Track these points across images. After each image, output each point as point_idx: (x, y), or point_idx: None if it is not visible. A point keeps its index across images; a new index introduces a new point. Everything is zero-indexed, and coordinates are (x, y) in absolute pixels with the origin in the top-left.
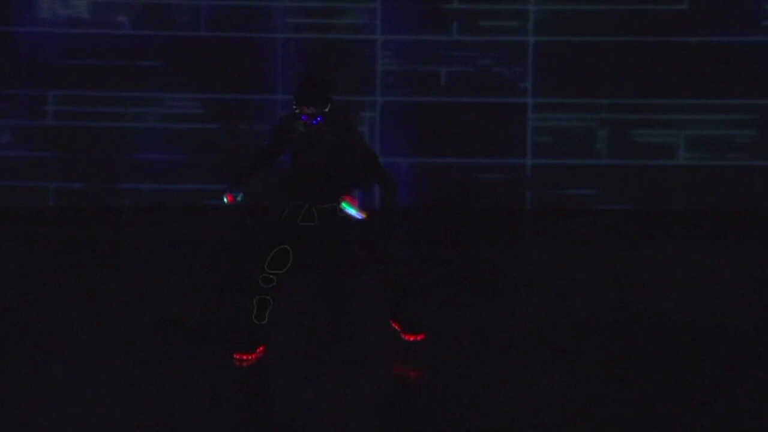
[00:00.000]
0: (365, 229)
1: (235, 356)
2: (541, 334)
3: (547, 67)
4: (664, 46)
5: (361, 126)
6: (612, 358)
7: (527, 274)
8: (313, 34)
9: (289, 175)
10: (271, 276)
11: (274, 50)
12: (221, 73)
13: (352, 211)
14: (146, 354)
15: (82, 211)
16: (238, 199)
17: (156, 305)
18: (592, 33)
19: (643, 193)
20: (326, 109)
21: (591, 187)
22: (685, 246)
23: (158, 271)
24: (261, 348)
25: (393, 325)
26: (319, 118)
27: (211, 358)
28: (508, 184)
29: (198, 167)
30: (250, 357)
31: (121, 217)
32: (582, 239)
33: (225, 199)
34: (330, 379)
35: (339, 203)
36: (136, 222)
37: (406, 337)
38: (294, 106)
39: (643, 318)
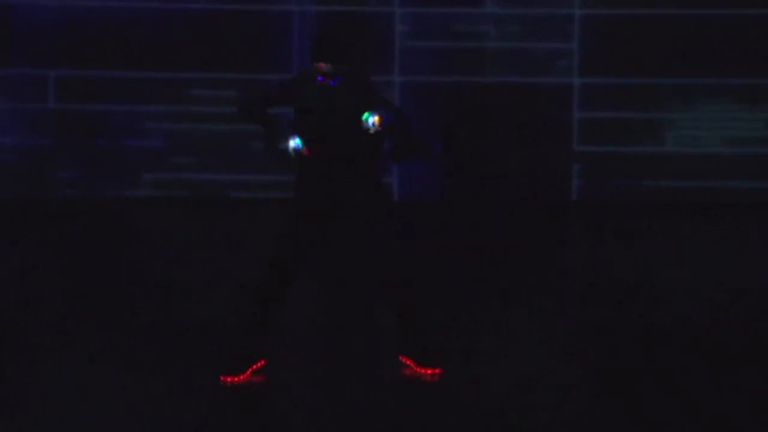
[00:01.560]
0: (378, 241)
1: (221, 377)
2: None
3: (596, 43)
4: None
5: None
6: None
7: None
8: (323, 6)
9: (302, 158)
10: (277, 281)
11: (289, 24)
12: (230, 50)
13: (369, 118)
14: (147, 357)
15: (83, 201)
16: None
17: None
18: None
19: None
20: (346, 68)
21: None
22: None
23: (163, 268)
24: (259, 363)
25: (402, 359)
26: (338, 78)
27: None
28: (548, 174)
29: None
30: (236, 379)
31: (129, 208)
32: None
33: (296, 147)
34: (330, 399)
35: (359, 192)
36: (145, 214)
37: (421, 371)
38: (310, 68)
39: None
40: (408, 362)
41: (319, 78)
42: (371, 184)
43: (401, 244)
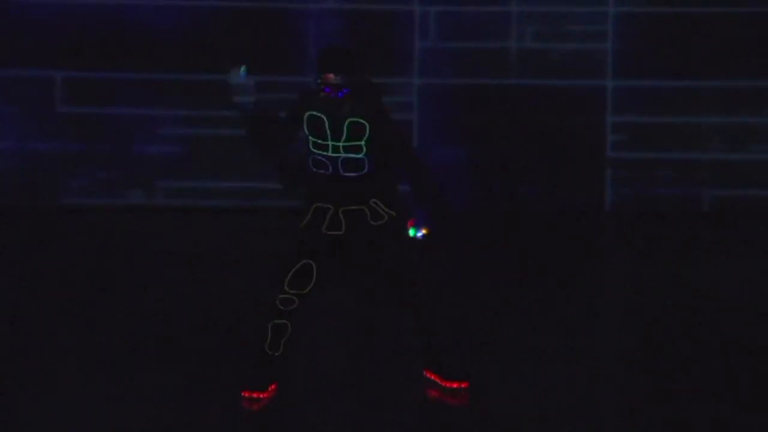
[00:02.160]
0: (400, 248)
1: (243, 394)
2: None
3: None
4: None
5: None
6: None
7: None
8: (339, 3)
9: (311, 168)
10: (291, 296)
11: (305, 24)
12: (246, 50)
13: (417, 233)
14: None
15: (92, 209)
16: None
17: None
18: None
19: None
20: (354, 80)
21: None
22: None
23: (169, 280)
24: (273, 386)
25: (427, 375)
26: (345, 90)
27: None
28: (581, 183)
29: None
30: (261, 396)
31: (136, 216)
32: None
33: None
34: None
35: (372, 203)
36: (150, 222)
37: (447, 385)
38: (317, 80)
39: None
40: (433, 377)
41: (326, 89)
42: (384, 195)
43: (423, 255)
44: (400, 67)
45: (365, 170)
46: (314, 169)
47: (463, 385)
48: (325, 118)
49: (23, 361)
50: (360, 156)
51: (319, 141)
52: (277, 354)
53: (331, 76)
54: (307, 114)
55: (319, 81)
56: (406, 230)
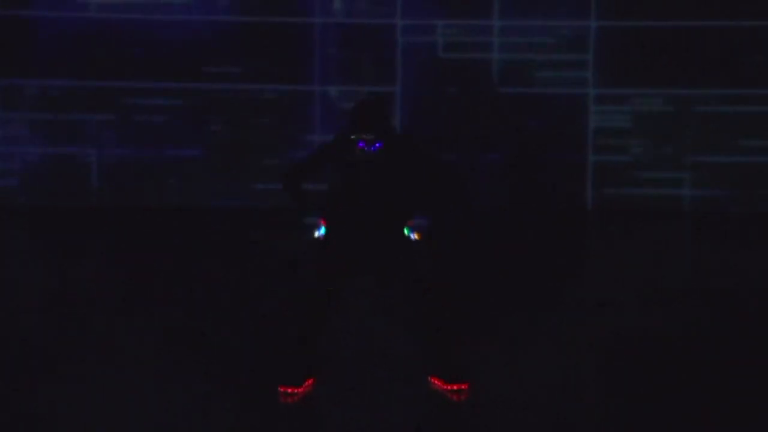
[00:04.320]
0: (411, 256)
1: (279, 389)
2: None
3: (611, 55)
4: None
5: None
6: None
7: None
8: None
9: (339, 193)
10: (321, 301)
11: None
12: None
13: (410, 234)
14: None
15: (103, 210)
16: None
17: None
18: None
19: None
20: (385, 133)
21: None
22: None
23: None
24: (309, 381)
25: (432, 381)
26: (378, 144)
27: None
28: (560, 184)
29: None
30: (297, 390)
31: (148, 217)
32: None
33: (316, 232)
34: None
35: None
36: (162, 223)
37: (448, 387)
38: (351, 135)
39: None
40: (436, 382)
41: (360, 144)
42: (403, 217)
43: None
44: (383, 77)
45: (392, 208)
46: (343, 197)
47: (463, 387)
48: (359, 166)
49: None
50: (388, 196)
51: (353, 180)
52: (311, 350)
53: (365, 135)
54: (345, 157)
55: (353, 136)
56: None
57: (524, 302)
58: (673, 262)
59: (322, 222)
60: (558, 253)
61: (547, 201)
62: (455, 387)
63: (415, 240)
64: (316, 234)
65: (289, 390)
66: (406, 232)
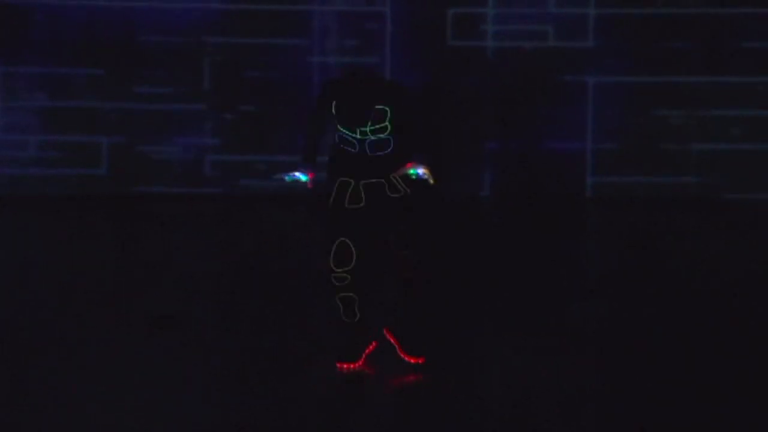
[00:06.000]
0: (406, 222)
1: (337, 365)
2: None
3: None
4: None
5: None
6: None
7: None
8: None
9: (338, 144)
10: (341, 275)
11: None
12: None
13: (417, 172)
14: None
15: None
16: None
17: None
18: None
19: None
20: (378, 77)
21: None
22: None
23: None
24: (371, 346)
25: (387, 335)
26: (367, 84)
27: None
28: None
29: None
30: (354, 366)
31: (145, 205)
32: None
33: (302, 177)
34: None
35: (392, 177)
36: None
37: (405, 358)
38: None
39: None
40: (392, 341)
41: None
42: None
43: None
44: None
45: (390, 149)
46: (341, 146)
47: (420, 361)
48: (352, 104)
49: (77, 349)
50: (385, 136)
51: (347, 125)
52: (355, 320)
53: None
54: (334, 102)
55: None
56: (414, 204)
57: (519, 290)
58: (671, 250)
59: (309, 175)
60: (555, 241)
61: (546, 188)
62: (412, 360)
63: (426, 176)
64: (287, 176)
65: (345, 366)
66: (412, 173)
